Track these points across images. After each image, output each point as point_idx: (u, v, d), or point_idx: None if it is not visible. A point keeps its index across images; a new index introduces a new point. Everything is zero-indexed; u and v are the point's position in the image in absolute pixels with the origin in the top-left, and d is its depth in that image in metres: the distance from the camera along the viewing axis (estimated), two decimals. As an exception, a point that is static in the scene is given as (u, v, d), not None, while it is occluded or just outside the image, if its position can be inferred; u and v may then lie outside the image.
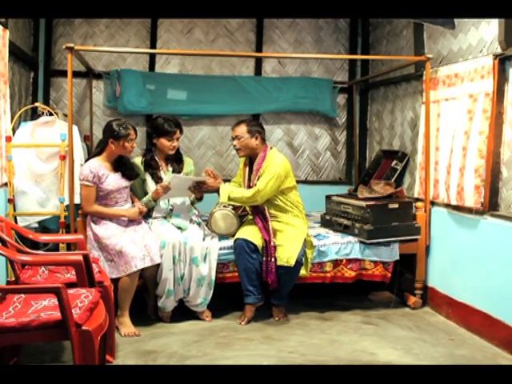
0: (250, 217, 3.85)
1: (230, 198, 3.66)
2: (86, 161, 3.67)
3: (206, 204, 4.01)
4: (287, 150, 5.32)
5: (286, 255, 3.56)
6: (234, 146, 3.80)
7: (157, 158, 3.80)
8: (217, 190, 3.73)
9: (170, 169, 3.82)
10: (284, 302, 3.76)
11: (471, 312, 3.54)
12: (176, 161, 3.86)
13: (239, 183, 4.01)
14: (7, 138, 3.63)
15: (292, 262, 3.54)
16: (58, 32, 4.86)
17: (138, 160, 3.80)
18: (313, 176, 5.43)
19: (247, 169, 3.89)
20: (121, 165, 3.62)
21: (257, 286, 3.65)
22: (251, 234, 3.66)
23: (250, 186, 3.81)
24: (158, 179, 3.75)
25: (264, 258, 3.63)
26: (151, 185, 3.75)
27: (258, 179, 3.72)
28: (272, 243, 3.61)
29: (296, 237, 3.66)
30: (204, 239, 3.66)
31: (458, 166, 3.60)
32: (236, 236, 3.69)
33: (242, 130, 3.74)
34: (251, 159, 3.86)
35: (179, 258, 3.53)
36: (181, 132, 3.80)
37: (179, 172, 3.82)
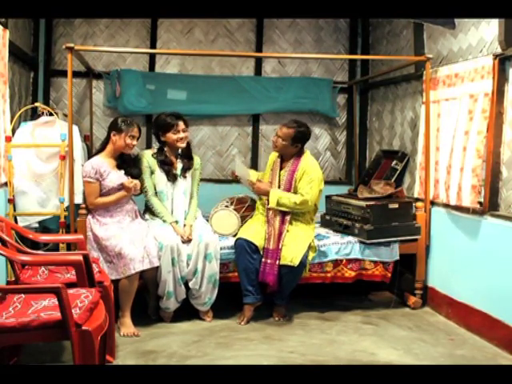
0: (261, 216, 3.81)
1: (278, 203, 3.66)
2: (90, 158, 3.68)
3: (207, 204, 4.01)
4: (287, 149, 5.32)
5: (291, 255, 3.56)
6: (274, 141, 3.78)
7: (168, 155, 3.78)
8: (266, 193, 3.74)
9: (181, 165, 3.79)
10: (284, 301, 3.77)
11: (471, 312, 3.54)
12: (187, 157, 3.83)
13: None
14: (7, 138, 3.63)
15: (296, 262, 3.53)
16: (57, 32, 4.86)
17: (148, 153, 3.77)
18: (313, 176, 5.42)
19: (278, 164, 3.84)
20: (124, 162, 3.63)
21: (256, 285, 3.65)
22: (253, 234, 3.66)
23: (272, 183, 3.80)
24: (173, 177, 3.73)
25: (263, 260, 3.63)
26: (161, 181, 3.72)
27: (294, 182, 3.71)
28: (280, 245, 3.61)
29: (302, 238, 3.66)
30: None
31: (458, 166, 3.60)
32: (237, 236, 3.69)
33: (289, 134, 3.69)
34: (282, 156, 3.85)
35: (178, 259, 3.53)
36: (185, 124, 3.75)
37: (189, 168, 3.80)
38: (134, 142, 3.60)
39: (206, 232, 3.65)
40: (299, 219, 3.77)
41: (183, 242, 3.59)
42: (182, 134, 3.72)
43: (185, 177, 3.79)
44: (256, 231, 3.69)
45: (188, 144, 3.84)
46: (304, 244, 3.63)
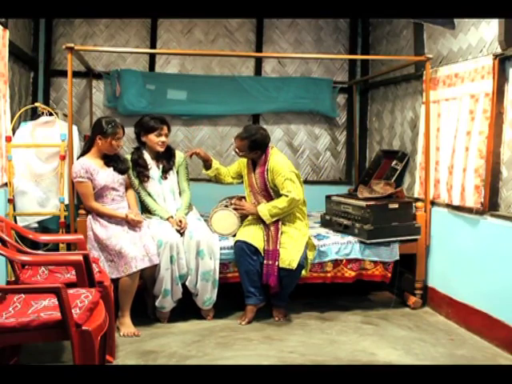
0: (250, 217, 3.83)
1: (272, 216, 3.65)
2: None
3: (207, 204, 4.01)
4: (287, 149, 5.32)
5: (289, 258, 3.55)
6: (234, 149, 3.83)
7: (146, 157, 3.79)
8: (256, 214, 3.73)
9: (161, 166, 3.81)
10: (284, 303, 3.77)
11: (471, 312, 3.54)
12: (166, 158, 3.84)
13: (236, 173, 4.02)
14: (7, 138, 3.63)
15: (294, 265, 3.54)
16: (58, 32, 4.86)
17: (129, 157, 3.82)
18: (313, 176, 5.43)
19: (250, 167, 3.86)
20: (111, 160, 3.64)
21: (258, 287, 3.65)
22: (251, 235, 3.66)
23: (251, 186, 3.82)
24: (144, 177, 3.76)
25: (265, 261, 3.63)
26: (148, 182, 3.76)
27: (268, 182, 3.70)
28: (277, 246, 3.61)
29: (298, 240, 3.65)
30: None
31: (460, 167, 3.60)
32: (236, 238, 3.69)
33: (244, 145, 3.71)
34: (253, 159, 3.85)
35: (177, 257, 3.53)
36: (168, 129, 3.79)
37: (170, 169, 3.82)
38: (120, 143, 3.62)
39: (197, 229, 3.65)
40: (290, 218, 3.75)
41: (178, 232, 3.60)
42: (163, 138, 3.74)
43: (166, 178, 3.80)
44: (254, 233, 3.69)
45: (168, 145, 3.85)
46: (301, 245, 3.62)
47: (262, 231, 3.70)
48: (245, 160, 3.92)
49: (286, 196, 3.63)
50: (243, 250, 3.60)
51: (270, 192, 3.75)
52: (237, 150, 3.78)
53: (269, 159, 3.74)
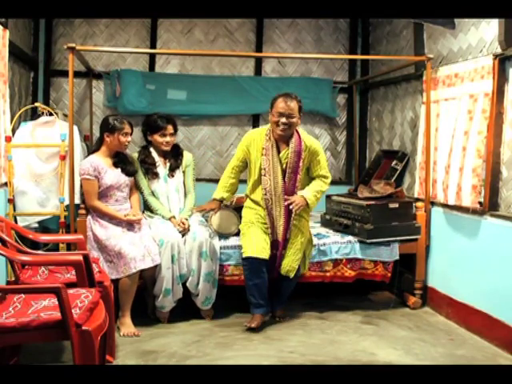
0: (254, 220, 3.66)
1: (316, 201, 3.57)
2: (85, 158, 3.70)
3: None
4: (287, 149, 5.32)
5: (286, 267, 3.56)
6: (284, 123, 3.39)
7: (154, 155, 3.81)
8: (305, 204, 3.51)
9: (168, 164, 3.83)
10: (283, 304, 3.78)
11: (471, 312, 3.54)
12: (174, 157, 3.86)
13: (238, 168, 3.68)
14: (7, 138, 3.63)
15: (291, 275, 3.57)
16: (58, 32, 4.87)
17: (135, 156, 3.83)
18: (313, 176, 5.42)
19: (273, 149, 3.49)
20: (119, 161, 3.64)
21: (265, 298, 3.59)
22: (260, 247, 3.48)
23: (269, 169, 3.49)
24: (152, 175, 3.77)
25: (277, 252, 3.56)
26: (153, 181, 3.78)
27: (302, 162, 3.48)
28: (287, 236, 3.56)
29: (300, 247, 3.61)
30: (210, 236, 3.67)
31: (457, 166, 3.60)
32: (246, 253, 3.48)
33: (295, 106, 3.42)
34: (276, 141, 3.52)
35: (178, 257, 3.53)
36: (175, 128, 3.80)
37: (177, 168, 3.83)
38: (128, 139, 3.63)
39: (200, 230, 3.65)
40: (301, 217, 3.61)
41: (181, 233, 3.60)
42: (168, 138, 3.76)
43: (172, 176, 3.81)
44: (261, 242, 3.52)
45: (176, 144, 3.87)
46: (301, 253, 3.62)
47: (268, 234, 3.58)
48: (255, 144, 3.55)
49: (326, 177, 3.60)
50: (258, 267, 3.47)
51: (296, 174, 3.50)
52: (288, 119, 3.39)
53: (303, 137, 3.55)
